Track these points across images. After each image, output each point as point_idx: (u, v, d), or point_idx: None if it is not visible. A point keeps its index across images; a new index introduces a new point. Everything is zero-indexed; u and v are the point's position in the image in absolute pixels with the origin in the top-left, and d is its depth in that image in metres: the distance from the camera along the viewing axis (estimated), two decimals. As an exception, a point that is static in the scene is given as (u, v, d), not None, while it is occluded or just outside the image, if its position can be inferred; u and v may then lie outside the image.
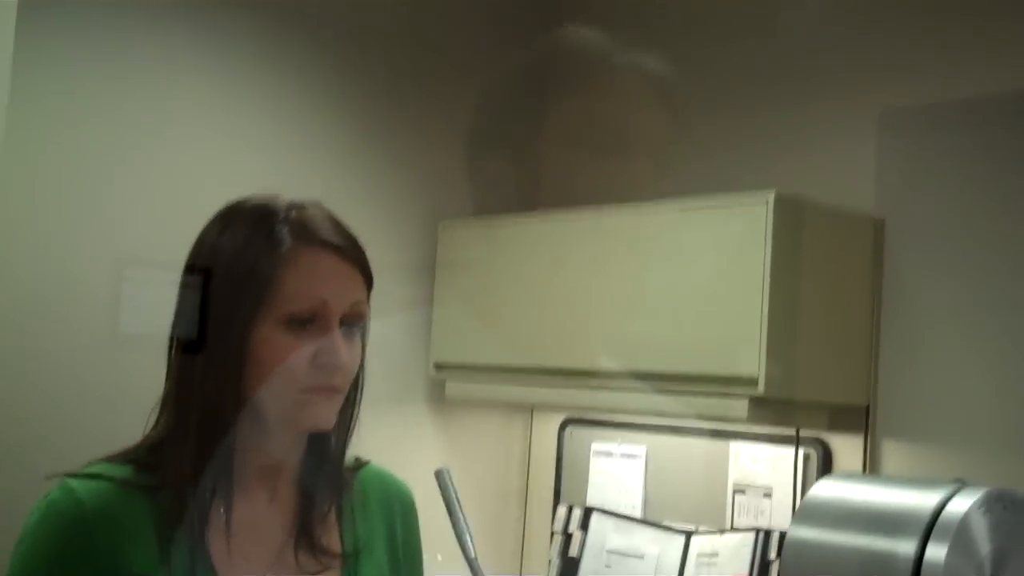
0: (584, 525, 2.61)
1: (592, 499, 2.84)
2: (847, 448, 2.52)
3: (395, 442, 2.80)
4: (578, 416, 3.00)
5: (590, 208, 2.63)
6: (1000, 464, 2.28)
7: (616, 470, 2.85)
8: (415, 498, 1.41)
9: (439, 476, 0.96)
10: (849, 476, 0.70)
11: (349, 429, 1.30)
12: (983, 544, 0.64)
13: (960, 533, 0.63)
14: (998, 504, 0.65)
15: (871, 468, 2.48)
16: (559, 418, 3.05)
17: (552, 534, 2.71)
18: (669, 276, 2.42)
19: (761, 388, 2.23)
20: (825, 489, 0.69)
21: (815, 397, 2.43)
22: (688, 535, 2.54)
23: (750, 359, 2.24)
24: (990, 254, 2.33)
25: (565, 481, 3.00)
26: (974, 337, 2.34)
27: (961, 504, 0.65)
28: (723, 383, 2.30)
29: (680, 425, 2.73)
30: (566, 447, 3.01)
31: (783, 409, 2.37)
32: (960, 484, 0.67)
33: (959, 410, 2.35)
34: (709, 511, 2.64)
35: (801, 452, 2.52)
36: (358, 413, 1.31)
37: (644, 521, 2.65)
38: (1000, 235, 2.32)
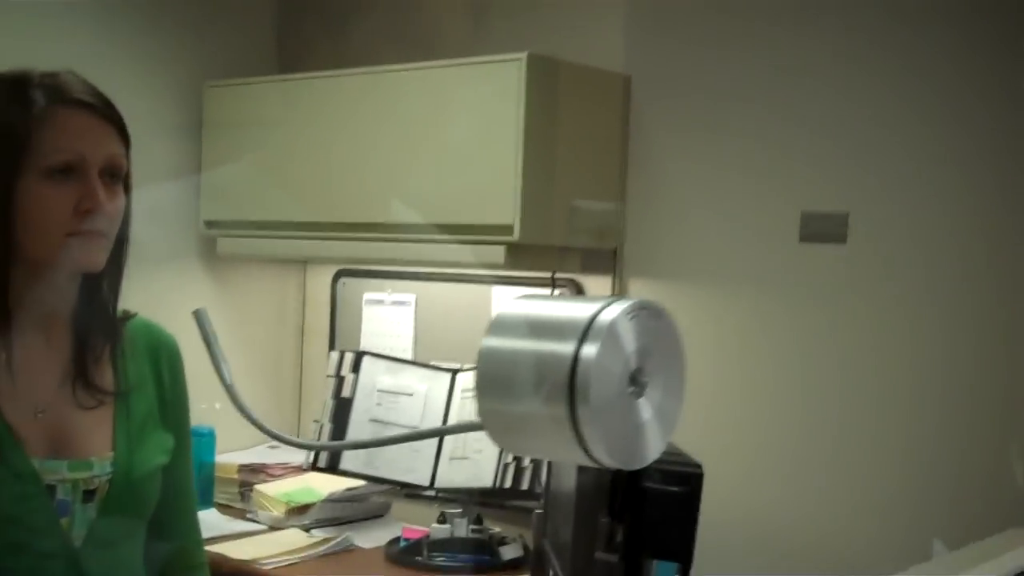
0: (356, 368, 2.76)
1: (365, 345, 3.00)
2: (598, 287, 2.75)
3: (168, 300, 2.79)
4: (350, 268, 3.12)
5: (355, 69, 2.71)
6: (729, 296, 2.55)
7: (388, 317, 3.00)
8: (182, 349, 1.54)
9: (196, 315, 1.07)
10: (535, 296, 0.85)
11: (119, 273, 1.41)
12: (629, 343, 0.81)
13: (609, 334, 0.80)
14: (642, 312, 0.82)
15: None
16: (332, 270, 3.17)
17: (328, 378, 2.85)
18: (432, 133, 2.54)
19: (516, 235, 2.41)
20: (512, 306, 0.85)
21: (568, 242, 2.63)
22: (454, 372, 2.73)
23: (506, 209, 2.41)
24: (726, 107, 2.55)
25: (339, 329, 3.14)
26: (710, 184, 2.58)
27: (611, 312, 0.81)
28: (482, 232, 2.46)
29: (446, 272, 2.90)
30: (339, 297, 3.14)
31: (538, 253, 2.56)
32: (615, 298, 0.83)
33: (697, 250, 2.60)
34: (474, 350, 2.81)
35: (557, 292, 2.74)
36: (127, 259, 1.41)
37: (413, 362, 2.83)
38: (735, 90, 2.53)
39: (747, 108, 2.52)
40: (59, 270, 1.34)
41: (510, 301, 0.87)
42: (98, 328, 1.41)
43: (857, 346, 2.38)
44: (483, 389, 0.85)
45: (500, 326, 0.85)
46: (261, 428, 1.05)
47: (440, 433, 1.04)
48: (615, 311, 0.81)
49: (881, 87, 2.36)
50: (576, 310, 0.82)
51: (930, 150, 2.30)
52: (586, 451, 0.82)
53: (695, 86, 2.60)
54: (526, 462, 2.56)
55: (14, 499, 1.29)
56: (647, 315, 0.83)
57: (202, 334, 1.08)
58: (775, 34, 2.48)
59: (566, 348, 0.79)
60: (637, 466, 0.84)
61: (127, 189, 1.39)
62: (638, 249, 2.69)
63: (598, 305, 0.82)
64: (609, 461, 0.83)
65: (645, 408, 0.84)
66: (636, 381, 0.83)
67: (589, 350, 0.79)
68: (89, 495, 1.36)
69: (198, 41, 2.99)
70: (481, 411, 0.86)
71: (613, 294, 2.72)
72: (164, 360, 1.50)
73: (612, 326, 0.80)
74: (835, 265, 2.41)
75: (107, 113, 1.36)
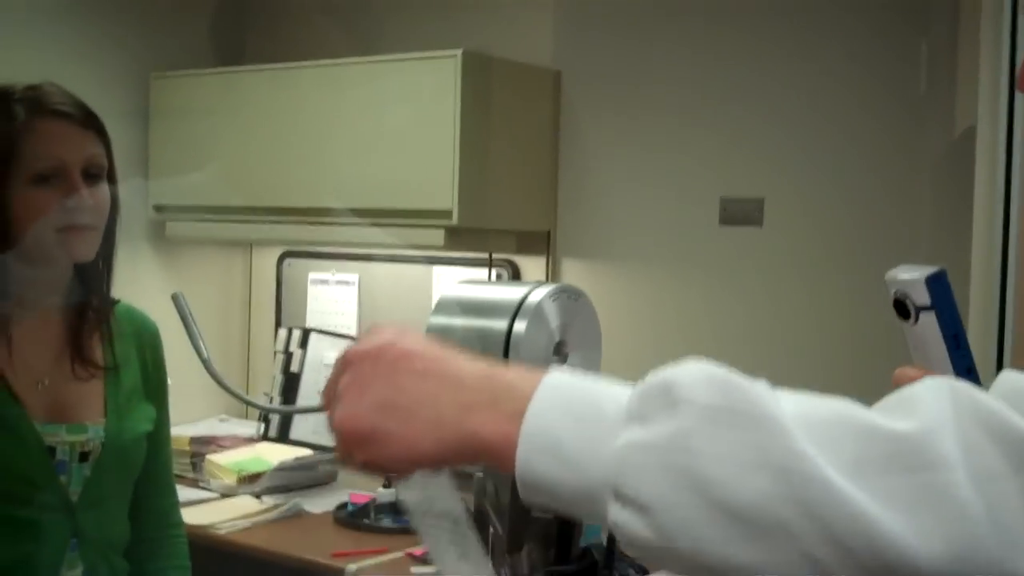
0: (303, 344, 2.91)
1: (311, 323, 3.14)
2: (533, 267, 2.93)
3: (120, 281, 2.96)
4: (295, 249, 3.26)
5: (300, 63, 2.85)
6: (655, 275, 2.74)
7: (332, 296, 3.15)
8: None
9: (175, 298, 1.21)
10: (472, 281, 1.02)
11: (110, 259, 1.57)
12: (552, 320, 0.98)
13: (536, 313, 0.97)
14: (563, 294, 0.99)
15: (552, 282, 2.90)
16: (277, 252, 3.31)
17: (275, 354, 2.99)
18: (373, 123, 2.69)
19: (455, 219, 2.57)
20: (453, 289, 1.02)
21: (504, 226, 2.80)
22: (397, 348, 2.88)
23: (444, 194, 2.57)
24: (651, 100, 2.73)
25: (285, 308, 3.28)
26: (637, 171, 2.76)
27: (538, 294, 0.98)
28: (422, 216, 2.62)
29: (388, 253, 3.05)
30: (285, 277, 3.28)
31: (476, 236, 2.73)
32: (539, 283, 1.00)
33: (624, 233, 2.79)
34: (416, 327, 2.98)
35: (494, 272, 2.91)
36: (116, 246, 1.56)
37: (358, 338, 2.97)
38: (660, 84, 2.72)
39: (670, 101, 2.71)
40: (54, 263, 1.51)
41: (451, 285, 1.03)
42: (90, 310, 1.58)
43: (769, 321, 2.58)
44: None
45: (443, 307, 1.01)
46: (237, 396, 1.20)
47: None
48: (540, 293, 0.98)
49: (794, 85, 2.55)
50: (508, 293, 0.99)
51: (836, 143, 2.50)
52: (518, 410, 0.99)
53: (622, 81, 2.77)
54: (465, 432, 2.73)
55: (19, 458, 1.46)
56: (567, 296, 1.00)
57: (180, 313, 1.22)
58: (696, 31, 2.66)
59: (500, 325, 0.96)
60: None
61: (112, 181, 1.54)
62: (569, 232, 2.87)
63: (526, 289, 0.99)
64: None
65: (567, 374, 1.01)
66: (559, 351, 1.00)
67: (519, 326, 0.95)
68: (84, 456, 1.53)
69: (144, 32, 3.10)
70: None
71: (547, 273, 2.90)
72: (147, 341, 1.67)
73: (539, 305, 0.96)
74: (752, 246, 2.61)
75: (84, 120, 1.51)
